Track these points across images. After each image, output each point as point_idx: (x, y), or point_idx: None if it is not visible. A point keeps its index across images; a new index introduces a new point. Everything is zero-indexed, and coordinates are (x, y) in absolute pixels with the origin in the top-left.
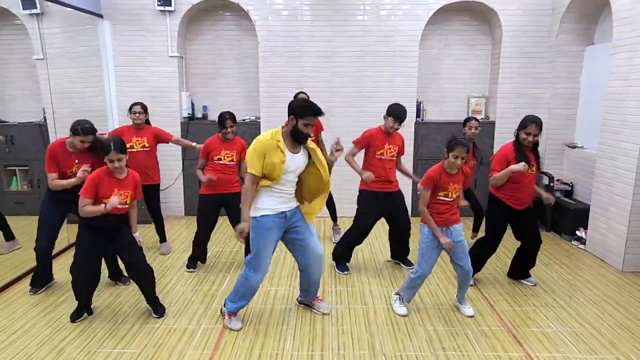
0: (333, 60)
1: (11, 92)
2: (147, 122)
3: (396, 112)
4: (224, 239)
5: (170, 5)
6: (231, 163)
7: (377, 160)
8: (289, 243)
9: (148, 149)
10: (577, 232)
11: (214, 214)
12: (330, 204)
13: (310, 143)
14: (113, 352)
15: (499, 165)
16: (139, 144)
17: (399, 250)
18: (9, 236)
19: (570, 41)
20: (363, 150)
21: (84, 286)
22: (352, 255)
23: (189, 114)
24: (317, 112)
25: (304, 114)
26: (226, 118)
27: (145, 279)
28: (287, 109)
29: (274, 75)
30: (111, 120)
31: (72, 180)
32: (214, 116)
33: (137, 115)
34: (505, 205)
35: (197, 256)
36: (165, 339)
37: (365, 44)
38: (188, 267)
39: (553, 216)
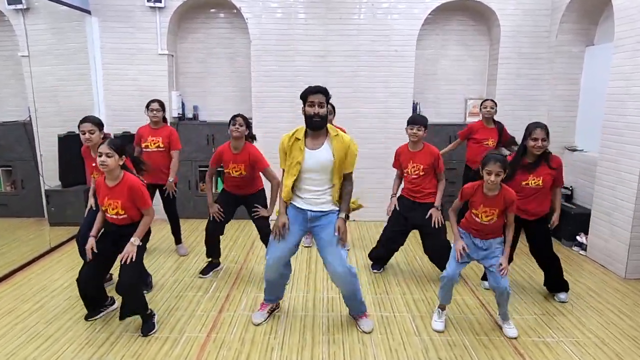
0: (327, 59)
1: None
2: (164, 119)
3: (410, 119)
4: None
5: (160, 2)
6: (241, 175)
7: (406, 177)
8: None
9: (163, 149)
10: (578, 238)
11: (230, 209)
12: None
13: (334, 132)
14: None
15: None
16: (154, 144)
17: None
18: None
19: (570, 41)
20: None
21: (80, 287)
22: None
23: (179, 113)
24: (315, 88)
25: (304, 97)
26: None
27: (126, 298)
28: (281, 108)
29: (266, 75)
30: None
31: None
32: (204, 116)
33: (154, 112)
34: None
35: (211, 254)
36: (145, 349)
37: (360, 43)
38: (202, 273)
39: None
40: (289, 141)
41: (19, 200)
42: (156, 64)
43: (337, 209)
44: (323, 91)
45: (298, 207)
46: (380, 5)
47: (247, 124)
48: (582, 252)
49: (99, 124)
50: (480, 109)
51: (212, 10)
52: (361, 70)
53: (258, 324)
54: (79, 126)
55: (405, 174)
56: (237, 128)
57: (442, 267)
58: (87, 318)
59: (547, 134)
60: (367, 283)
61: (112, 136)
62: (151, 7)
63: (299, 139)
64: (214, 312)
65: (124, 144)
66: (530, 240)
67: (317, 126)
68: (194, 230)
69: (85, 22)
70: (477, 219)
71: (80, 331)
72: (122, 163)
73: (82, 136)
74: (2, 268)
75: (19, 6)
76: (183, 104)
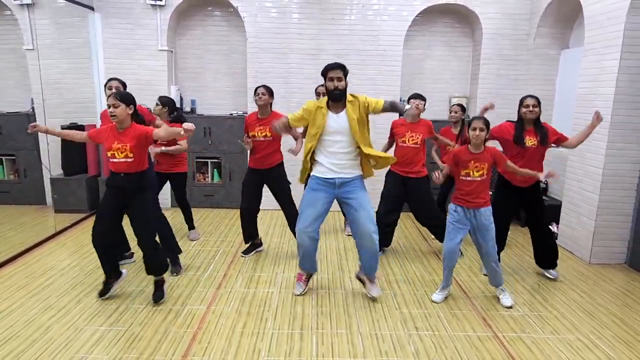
0: (319, 57)
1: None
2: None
3: (414, 95)
4: (214, 224)
5: (161, 0)
6: (266, 138)
7: (400, 147)
8: (344, 209)
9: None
10: (550, 227)
11: (258, 189)
12: None
13: (350, 97)
14: (100, 329)
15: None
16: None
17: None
18: None
19: (547, 45)
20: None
21: (98, 248)
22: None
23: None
24: (333, 64)
25: (324, 73)
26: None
27: (147, 256)
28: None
29: (261, 71)
30: (100, 112)
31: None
32: (202, 110)
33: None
34: (506, 183)
35: (249, 235)
36: (151, 319)
37: (350, 42)
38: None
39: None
40: (314, 107)
41: (22, 188)
42: (156, 59)
43: (361, 173)
44: (341, 67)
45: (323, 178)
46: (370, 7)
47: (270, 92)
48: None
49: (124, 84)
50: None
51: (210, 8)
52: (351, 68)
53: (299, 294)
54: (105, 84)
55: (400, 144)
56: (261, 97)
57: (434, 225)
58: (101, 294)
59: (539, 102)
60: (353, 264)
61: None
62: (152, 4)
63: (322, 107)
64: (213, 289)
65: (131, 96)
66: (528, 210)
67: (336, 97)
68: None
69: (88, 18)
70: (468, 178)
71: (91, 303)
72: (133, 111)
73: (108, 92)
74: (12, 249)
75: (25, 1)
76: (181, 98)
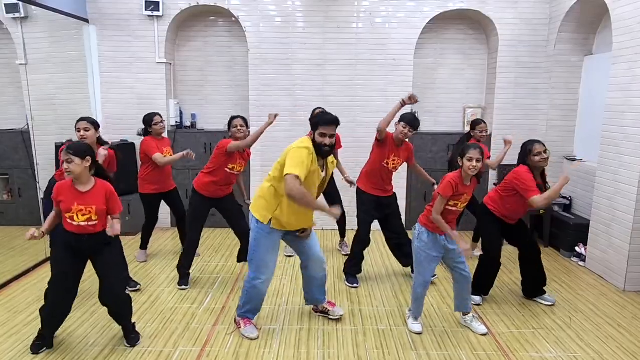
0: (325, 68)
1: None
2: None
3: (407, 118)
4: (209, 253)
5: (159, 11)
6: (240, 172)
7: (382, 168)
8: (289, 241)
9: None
10: (577, 249)
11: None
12: (342, 220)
13: (331, 158)
14: None
15: (532, 184)
16: (168, 153)
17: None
18: None
19: (569, 51)
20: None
21: (48, 311)
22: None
23: (177, 122)
24: (330, 120)
25: (318, 124)
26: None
27: (119, 310)
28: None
29: (264, 83)
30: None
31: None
32: (202, 125)
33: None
34: (498, 220)
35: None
36: None
37: (358, 52)
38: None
39: (552, 231)
40: (311, 160)
41: (16, 208)
42: (154, 72)
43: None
44: (336, 122)
45: (277, 230)
46: (378, 14)
47: (246, 123)
48: (581, 263)
49: (94, 123)
50: (474, 132)
51: (211, 18)
52: (359, 78)
53: (256, 338)
54: (75, 126)
55: (384, 165)
56: (239, 129)
57: (402, 254)
58: (33, 350)
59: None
60: (364, 295)
61: (109, 143)
62: (149, 15)
63: (313, 162)
64: (209, 325)
65: (86, 147)
66: (515, 236)
67: (326, 155)
68: None
69: (83, 31)
70: (455, 208)
71: (74, 344)
72: (90, 163)
73: (77, 134)
74: (2, 276)
75: (17, 15)
76: (181, 112)
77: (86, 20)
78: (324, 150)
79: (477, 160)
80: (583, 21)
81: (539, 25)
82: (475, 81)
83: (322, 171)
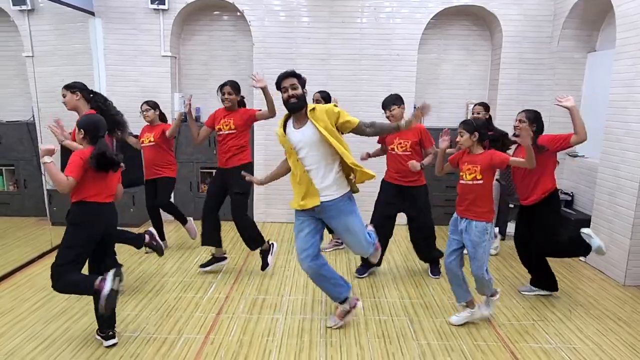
0: (329, 63)
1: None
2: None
3: (383, 102)
4: None
5: (164, 4)
6: (231, 131)
7: (392, 156)
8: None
9: (153, 144)
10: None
11: (221, 189)
12: None
13: (311, 106)
14: None
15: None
16: (147, 139)
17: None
18: None
19: (572, 48)
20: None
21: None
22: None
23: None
24: (284, 74)
25: (277, 85)
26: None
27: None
28: (283, 111)
29: (268, 78)
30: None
31: None
32: (206, 118)
33: (144, 113)
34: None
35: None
36: (143, 350)
37: (362, 47)
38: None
39: None
40: (280, 131)
41: (22, 199)
42: (159, 65)
43: (345, 192)
44: (292, 74)
45: (302, 209)
46: (382, 10)
47: (237, 89)
48: (582, 258)
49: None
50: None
51: (216, 12)
52: (363, 73)
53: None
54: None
55: (390, 151)
56: (226, 97)
57: (428, 255)
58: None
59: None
60: (366, 286)
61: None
62: (155, 9)
63: (282, 122)
64: (213, 314)
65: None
66: (530, 227)
67: (295, 107)
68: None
69: (89, 24)
70: (461, 180)
71: (78, 332)
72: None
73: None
74: (3, 267)
75: (24, 7)
76: None
77: (92, 13)
78: (292, 103)
79: (460, 134)
80: (587, 18)
81: (543, 22)
82: (479, 77)
83: (298, 128)
